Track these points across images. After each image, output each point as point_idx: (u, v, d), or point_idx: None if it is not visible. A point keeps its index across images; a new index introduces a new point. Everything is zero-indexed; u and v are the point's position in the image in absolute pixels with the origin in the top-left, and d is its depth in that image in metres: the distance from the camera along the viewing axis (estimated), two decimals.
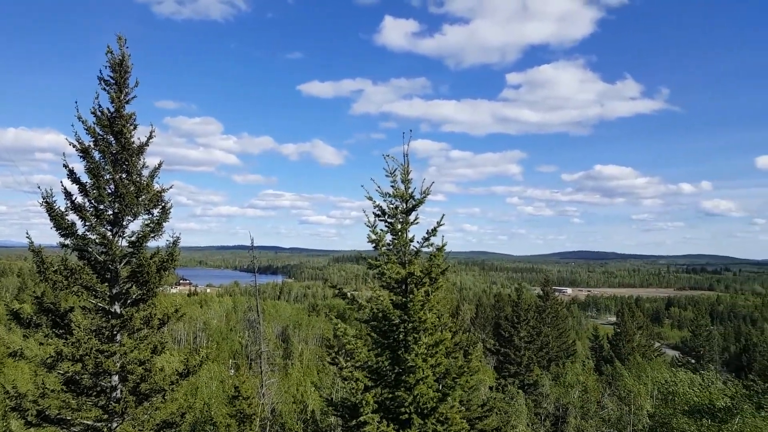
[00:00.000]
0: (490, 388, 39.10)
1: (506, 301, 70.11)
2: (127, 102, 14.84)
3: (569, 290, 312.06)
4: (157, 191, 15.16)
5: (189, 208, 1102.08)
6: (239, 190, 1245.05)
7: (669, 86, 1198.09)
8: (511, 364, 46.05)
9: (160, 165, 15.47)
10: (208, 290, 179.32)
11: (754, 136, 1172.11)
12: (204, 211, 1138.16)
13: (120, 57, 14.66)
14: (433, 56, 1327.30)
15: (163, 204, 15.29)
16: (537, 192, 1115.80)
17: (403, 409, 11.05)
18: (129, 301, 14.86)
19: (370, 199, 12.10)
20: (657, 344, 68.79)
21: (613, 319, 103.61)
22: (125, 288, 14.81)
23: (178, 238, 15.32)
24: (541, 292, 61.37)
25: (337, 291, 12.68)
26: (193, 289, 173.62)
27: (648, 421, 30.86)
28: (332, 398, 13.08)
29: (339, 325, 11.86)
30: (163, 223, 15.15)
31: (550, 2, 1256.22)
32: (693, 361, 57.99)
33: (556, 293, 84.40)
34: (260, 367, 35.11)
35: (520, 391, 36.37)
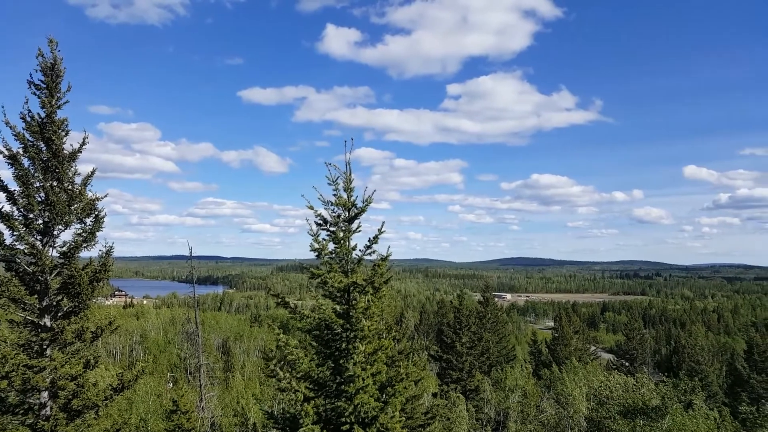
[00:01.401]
0: (434, 395, 39.40)
1: (449, 307, 70.98)
2: (58, 107, 14.29)
3: (509, 296, 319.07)
4: (91, 199, 14.62)
5: (124, 216, 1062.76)
6: (178, 198, 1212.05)
7: (602, 98, 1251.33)
8: (453, 370, 46.61)
9: (93, 172, 14.94)
10: (145, 302, 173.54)
11: (683, 147, 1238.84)
12: (140, 219, 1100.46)
13: (52, 60, 14.11)
14: (376, 66, 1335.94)
15: (96, 212, 14.76)
16: (477, 200, 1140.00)
17: (343, 419, 11.01)
18: (60, 314, 14.23)
19: (312, 208, 12.08)
20: (593, 348, 71.24)
21: (551, 323, 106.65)
22: (56, 300, 14.19)
23: (111, 247, 14.84)
24: (482, 298, 62.48)
25: (279, 300, 12.56)
26: (129, 300, 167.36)
27: (585, 423, 31.89)
28: (273, 411, 12.92)
29: (280, 336, 11.75)
30: (97, 233, 14.63)
31: (489, 15, 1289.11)
32: (627, 363, 60.26)
33: (496, 299, 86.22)
34: (199, 380, 34.22)
35: (462, 396, 36.84)
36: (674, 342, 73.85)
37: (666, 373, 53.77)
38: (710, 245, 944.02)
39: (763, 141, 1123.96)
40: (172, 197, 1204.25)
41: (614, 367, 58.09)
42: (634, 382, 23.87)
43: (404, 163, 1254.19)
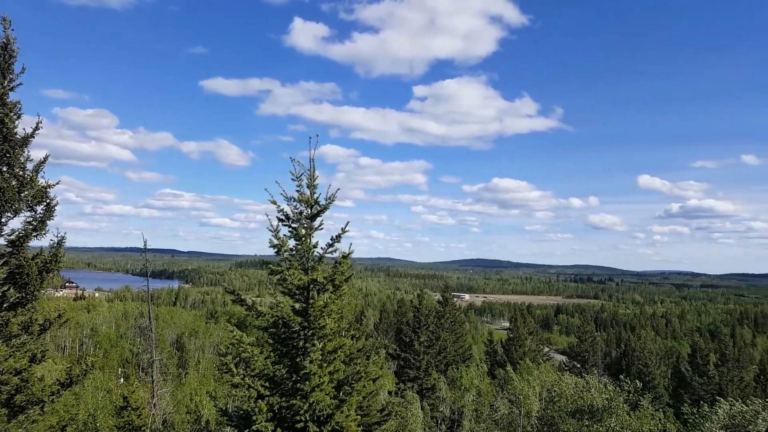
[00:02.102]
0: (390, 392, 39.56)
1: (408, 306, 71.32)
2: (11, 89, 13.70)
3: (467, 296, 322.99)
4: (42, 187, 14.09)
5: (78, 205, 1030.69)
6: (134, 189, 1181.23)
7: (563, 106, 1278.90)
8: (410, 369, 46.89)
9: (46, 158, 14.38)
10: (97, 294, 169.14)
11: (637, 157, 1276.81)
12: (94, 209, 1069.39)
13: (4, 40, 13.52)
14: (343, 62, 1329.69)
15: (48, 200, 14.22)
16: (440, 201, 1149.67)
17: (298, 417, 10.93)
18: (5, 305, 13.69)
19: (274, 203, 11.93)
20: (546, 349, 72.75)
21: (507, 324, 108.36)
22: (2, 291, 13.64)
23: (63, 237, 14.33)
24: (441, 298, 63.05)
25: (234, 297, 12.37)
26: (80, 292, 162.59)
27: (536, 422, 32.51)
28: (227, 408, 12.74)
29: (234, 333, 11.59)
30: (48, 222, 14.11)
31: (457, 19, 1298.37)
32: (579, 365, 61.70)
33: (455, 299, 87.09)
34: (152, 376, 33.46)
35: (417, 395, 37.10)
36: (624, 345, 76.00)
37: (615, 375, 55.31)
38: (661, 253, 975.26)
39: (714, 154, 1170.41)
40: (128, 187, 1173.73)
41: (566, 368, 59.39)
42: (584, 383, 24.45)
43: (369, 162, 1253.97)
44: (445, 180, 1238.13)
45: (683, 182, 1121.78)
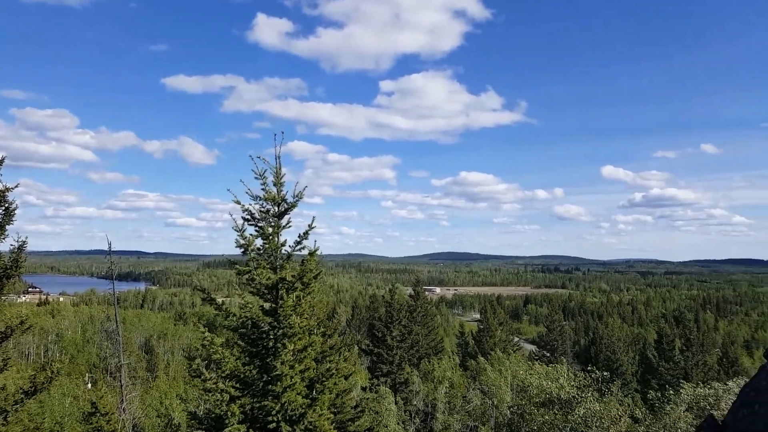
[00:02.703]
0: (363, 388, 39.59)
1: (380, 302, 71.42)
2: None
3: (438, 289, 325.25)
4: (0, 190, 13.68)
5: (39, 208, 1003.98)
6: (97, 190, 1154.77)
7: (527, 100, 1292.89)
8: (383, 364, 46.99)
9: (2, 160, 13.95)
10: (62, 299, 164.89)
11: (600, 149, 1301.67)
12: (56, 212, 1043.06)
13: None
14: (308, 58, 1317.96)
15: (6, 204, 13.81)
16: (409, 196, 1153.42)
17: (270, 418, 10.85)
18: None
19: (238, 202, 11.77)
20: (516, 339, 73.78)
21: (477, 316, 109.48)
22: None
23: (24, 242, 13.95)
24: (413, 292, 63.32)
25: (205, 297, 12.20)
26: (43, 297, 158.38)
27: (508, 413, 32.97)
28: (198, 411, 12.58)
29: (206, 334, 11.43)
30: (7, 226, 13.71)
31: (421, 14, 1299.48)
32: (548, 354, 62.75)
33: (426, 293, 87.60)
34: (120, 381, 32.85)
35: (390, 390, 37.23)
36: (592, 333, 77.54)
37: (584, 364, 56.45)
38: (625, 241, 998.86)
39: (674, 144, 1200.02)
40: (90, 188, 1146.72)
41: (536, 357, 60.32)
42: (553, 374, 24.89)
43: (337, 158, 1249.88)
44: (413, 174, 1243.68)
45: (645, 172, 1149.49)
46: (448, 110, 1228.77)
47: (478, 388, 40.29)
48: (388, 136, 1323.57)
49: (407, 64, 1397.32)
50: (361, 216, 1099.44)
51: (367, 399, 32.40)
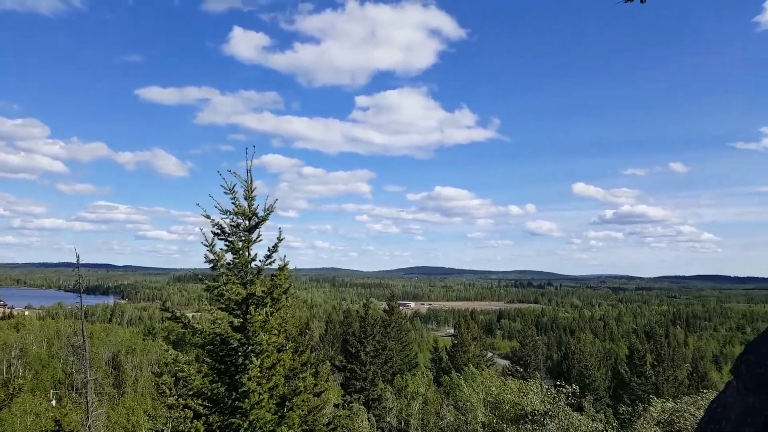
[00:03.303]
0: (336, 405, 39.12)
1: (354, 317, 71.04)
2: None
3: (412, 304, 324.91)
4: None
5: (5, 219, 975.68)
6: (66, 201, 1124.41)
7: (500, 117, 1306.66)
8: (357, 380, 46.59)
9: None
10: (27, 312, 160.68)
11: (571, 166, 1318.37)
12: (23, 223, 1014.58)
13: None
14: (285, 72, 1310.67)
15: None
16: (384, 210, 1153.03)
17: None
18: None
19: (208, 217, 11.57)
20: (489, 354, 73.86)
21: (452, 330, 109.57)
22: None
23: None
24: (387, 307, 63.10)
25: (170, 315, 11.90)
26: (8, 311, 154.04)
27: (481, 429, 32.87)
28: (165, 429, 12.22)
29: (169, 352, 11.15)
30: None
31: (397, 32, 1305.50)
32: (521, 369, 62.93)
33: (401, 307, 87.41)
34: (86, 397, 31.90)
35: (363, 406, 36.88)
36: (564, 348, 78.14)
37: (557, 378, 56.77)
38: (597, 257, 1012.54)
39: (644, 162, 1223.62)
40: (59, 200, 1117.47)
41: (509, 372, 60.43)
42: (524, 389, 24.93)
43: (313, 172, 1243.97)
44: (389, 189, 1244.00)
45: (616, 189, 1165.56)
46: (423, 126, 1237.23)
47: (452, 404, 40.15)
48: (364, 150, 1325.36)
49: (383, 80, 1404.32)
50: (335, 230, 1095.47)
51: (340, 416, 32.01)
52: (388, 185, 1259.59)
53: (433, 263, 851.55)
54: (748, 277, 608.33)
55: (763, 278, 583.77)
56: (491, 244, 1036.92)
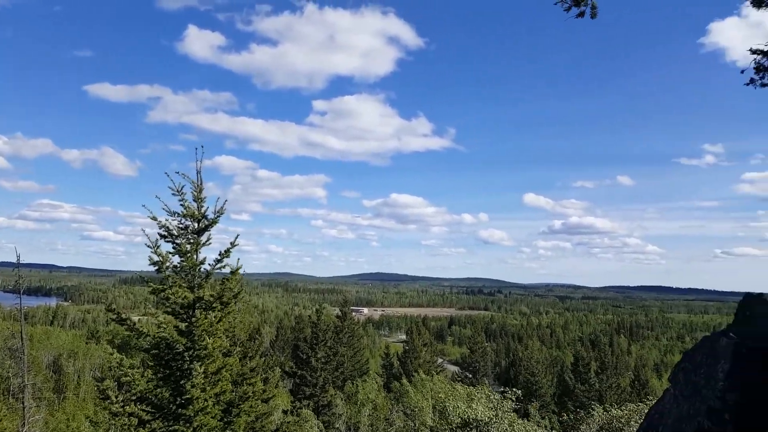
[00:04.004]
0: (284, 411, 38.63)
1: (307, 322, 70.44)
2: None
3: (365, 310, 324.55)
4: None
5: None
6: (8, 199, 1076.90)
7: (455, 127, 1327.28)
8: (307, 386, 46.12)
9: None
10: None
11: (522, 177, 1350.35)
12: None
13: None
14: (240, 72, 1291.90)
15: None
16: (340, 216, 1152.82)
17: None
18: None
19: (154, 218, 11.25)
20: (440, 360, 74.50)
21: (404, 336, 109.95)
22: None
23: None
24: (340, 313, 62.83)
25: (115, 317, 11.52)
26: None
27: None
28: None
29: (114, 355, 10.78)
30: None
31: (356, 37, 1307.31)
32: (470, 375, 63.63)
33: (354, 313, 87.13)
34: (23, 402, 30.68)
35: (312, 413, 36.56)
36: (512, 355, 79.47)
37: (504, 385, 57.66)
38: (546, 266, 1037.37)
39: (592, 175, 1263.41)
40: (1, 197, 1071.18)
41: (459, 378, 60.99)
42: (470, 394, 25.21)
43: (267, 175, 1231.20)
44: (345, 194, 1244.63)
45: (565, 200, 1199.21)
46: (381, 133, 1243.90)
47: (402, 410, 40.22)
48: (321, 155, 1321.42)
49: (341, 85, 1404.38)
50: (290, 234, 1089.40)
51: (288, 422, 31.63)
52: (344, 191, 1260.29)
53: (387, 269, 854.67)
54: (688, 288, 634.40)
55: (703, 290, 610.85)
56: (445, 251, 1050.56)
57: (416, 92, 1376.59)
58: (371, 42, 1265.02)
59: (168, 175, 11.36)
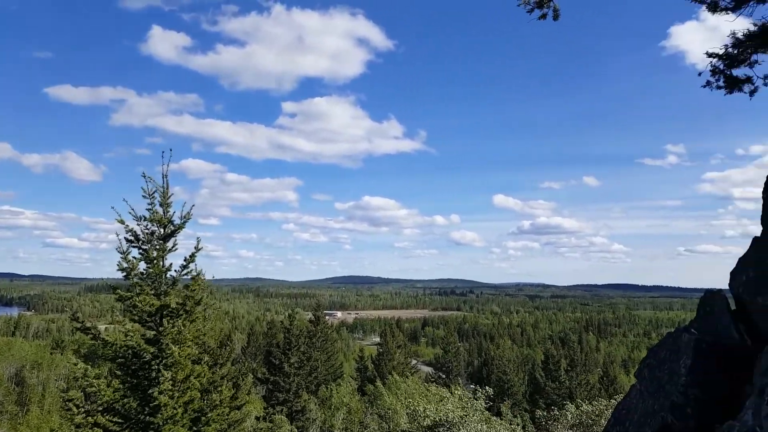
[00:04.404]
0: (257, 418, 38.24)
1: (279, 328, 69.90)
2: None
3: (339, 314, 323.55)
4: None
5: None
6: None
7: (426, 129, 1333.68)
8: (280, 392, 45.76)
9: None
10: None
11: (492, 178, 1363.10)
12: None
13: None
14: (207, 74, 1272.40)
15: None
16: (312, 219, 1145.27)
17: None
18: None
19: (122, 222, 11.04)
20: (414, 362, 74.73)
21: (378, 339, 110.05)
22: None
23: None
24: (313, 317, 62.51)
25: (80, 326, 11.26)
26: None
27: None
28: None
29: (78, 366, 10.54)
30: None
31: (325, 39, 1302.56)
32: (444, 375, 63.94)
33: (327, 317, 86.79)
34: None
35: (286, 418, 36.29)
36: (485, 354, 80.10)
37: (478, 383, 58.05)
38: (515, 266, 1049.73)
39: (559, 176, 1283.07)
40: None
41: (432, 379, 61.17)
42: (445, 395, 25.33)
43: (236, 178, 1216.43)
44: (317, 198, 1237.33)
45: (533, 201, 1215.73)
46: (352, 135, 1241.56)
47: (376, 413, 40.15)
48: (291, 157, 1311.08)
49: (311, 87, 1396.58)
50: (261, 239, 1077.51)
51: (261, 429, 31.35)
52: (315, 194, 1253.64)
53: (360, 272, 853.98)
54: (653, 286, 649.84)
55: (667, 287, 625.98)
56: (417, 253, 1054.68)
57: (387, 94, 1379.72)
58: (340, 44, 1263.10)
59: (144, 177, 11.18)
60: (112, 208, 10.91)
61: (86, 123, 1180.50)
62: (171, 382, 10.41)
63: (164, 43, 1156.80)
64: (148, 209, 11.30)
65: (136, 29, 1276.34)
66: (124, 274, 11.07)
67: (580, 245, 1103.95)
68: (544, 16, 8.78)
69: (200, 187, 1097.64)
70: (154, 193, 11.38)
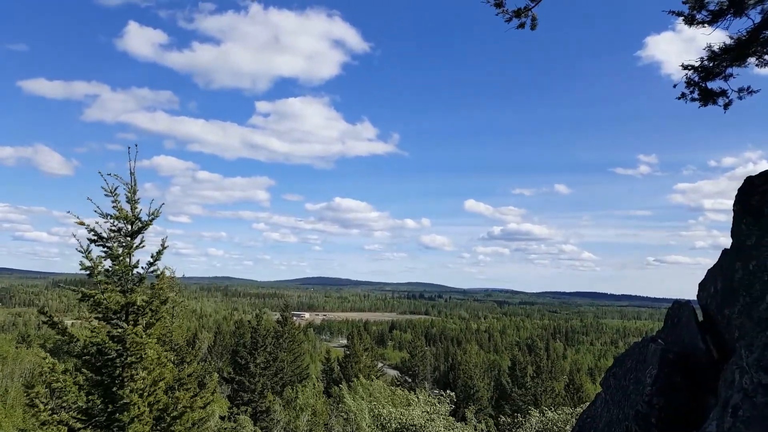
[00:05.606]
0: (222, 417, 37.77)
1: (246, 327, 69.15)
2: None
3: (307, 314, 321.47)
4: None
5: None
6: None
7: (399, 133, 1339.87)
8: (245, 392, 45.29)
9: None
10: None
11: (463, 183, 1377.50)
12: None
13: None
14: (181, 71, 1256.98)
15: None
16: (283, 219, 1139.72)
17: None
18: None
19: (81, 223, 10.72)
20: (380, 365, 74.57)
21: (345, 341, 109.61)
22: None
23: None
24: (280, 317, 62.05)
25: (47, 319, 10.95)
26: None
27: None
28: None
29: (47, 360, 10.26)
30: None
31: (300, 39, 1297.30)
32: (410, 379, 64.03)
33: (295, 318, 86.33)
34: None
35: (250, 419, 35.90)
36: (451, 359, 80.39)
37: (443, 389, 58.24)
38: (485, 271, 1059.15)
39: (531, 183, 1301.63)
40: None
41: (398, 383, 61.21)
42: (412, 399, 25.36)
43: (208, 176, 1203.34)
44: (288, 198, 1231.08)
45: (504, 207, 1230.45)
46: (325, 136, 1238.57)
47: (341, 416, 39.97)
48: (264, 157, 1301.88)
49: (285, 87, 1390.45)
50: (230, 237, 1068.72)
51: (225, 429, 30.98)
52: (287, 194, 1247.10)
53: (330, 274, 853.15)
54: (622, 295, 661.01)
55: (636, 296, 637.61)
56: (387, 256, 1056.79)
57: (361, 96, 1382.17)
58: (316, 45, 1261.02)
59: (102, 175, 10.86)
60: (68, 212, 10.34)
61: (59, 117, 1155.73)
62: (138, 380, 10.21)
63: (140, 40, 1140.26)
64: (113, 206, 10.98)
65: (112, 25, 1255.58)
66: (88, 272, 10.77)
67: (549, 252, 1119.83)
68: (522, 26, 8.82)
69: (171, 185, 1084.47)
70: (116, 189, 11.06)
